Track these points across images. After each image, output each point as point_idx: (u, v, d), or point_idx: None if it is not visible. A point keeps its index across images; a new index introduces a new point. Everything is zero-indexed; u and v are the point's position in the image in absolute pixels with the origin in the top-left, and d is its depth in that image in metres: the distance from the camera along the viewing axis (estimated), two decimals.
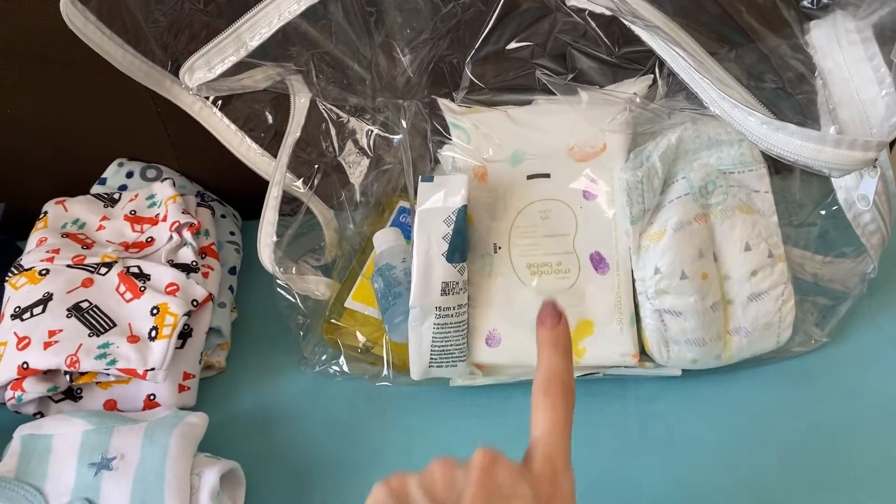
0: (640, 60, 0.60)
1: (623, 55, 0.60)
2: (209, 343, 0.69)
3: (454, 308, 0.62)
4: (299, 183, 0.74)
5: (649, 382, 0.67)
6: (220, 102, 0.74)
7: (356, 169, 0.75)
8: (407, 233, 0.70)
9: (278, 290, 0.70)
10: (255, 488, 0.63)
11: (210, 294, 0.68)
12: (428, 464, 0.42)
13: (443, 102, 0.67)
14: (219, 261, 0.73)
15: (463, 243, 0.61)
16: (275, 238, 0.68)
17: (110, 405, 0.65)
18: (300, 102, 0.73)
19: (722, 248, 0.62)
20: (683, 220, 0.61)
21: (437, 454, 0.63)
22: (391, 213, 0.74)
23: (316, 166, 0.74)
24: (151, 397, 0.65)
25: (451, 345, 0.63)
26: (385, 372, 0.67)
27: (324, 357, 0.69)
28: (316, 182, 0.74)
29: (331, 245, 0.75)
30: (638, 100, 0.59)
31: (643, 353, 0.65)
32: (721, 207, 0.62)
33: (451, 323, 0.63)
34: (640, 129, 0.62)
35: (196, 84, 0.64)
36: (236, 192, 0.83)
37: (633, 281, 0.64)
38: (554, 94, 0.64)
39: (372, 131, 0.73)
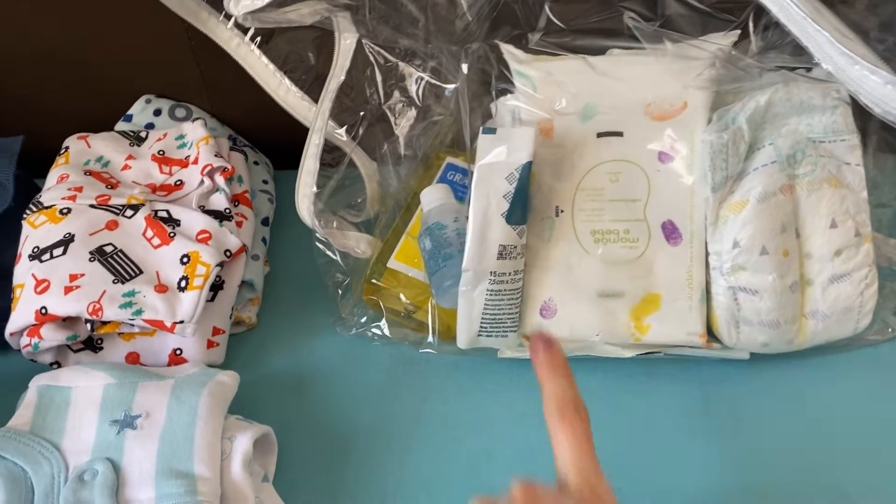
0: (733, 11, 0.55)
1: (716, 3, 0.54)
2: (240, 297, 0.65)
3: (510, 274, 0.57)
4: (342, 131, 0.69)
5: (712, 365, 0.62)
6: (258, 39, 0.68)
7: (402, 119, 0.70)
8: (456, 191, 0.65)
9: (317, 244, 0.65)
10: (287, 454, 0.58)
11: (244, 245, 0.63)
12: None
13: (506, 48, 0.61)
14: (252, 210, 0.68)
15: (525, 204, 0.56)
16: (315, 189, 0.63)
17: (133, 358, 0.61)
18: (345, 43, 0.67)
19: (806, 224, 0.57)
20: (768, 191, 0.56)
21: (478, 428, 0.61)
22: (438, 169, 0.68)
23: (361, 114, 0.68)
24: (178, 352, 0.61)
25: (504, 313, 0.58)
26: (429, 338, 0.62)
27: (363, 319, 0.65)
28: (360, 132, 0.68)
29: (372, 200, 0.69)
30: (729, 54, 0.54)
31: (709, 334, 0.60)
32: (809, 179, 0.57)
33: (505, 290, 0.58)
34: (726, 88, 0.57)
35: (242, 12, 0.58)
36: (269, 139, 0.77)
37: (707, 255, 0.59)
38: (628, 45, 0.59)
39: (422, 79, 0.68)
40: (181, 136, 0.70)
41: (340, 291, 0.66)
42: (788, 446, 0.58)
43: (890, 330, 0.62)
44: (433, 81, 0.67)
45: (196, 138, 0.69)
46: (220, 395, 0.55)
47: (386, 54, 0.68)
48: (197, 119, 0.71)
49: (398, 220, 0.67)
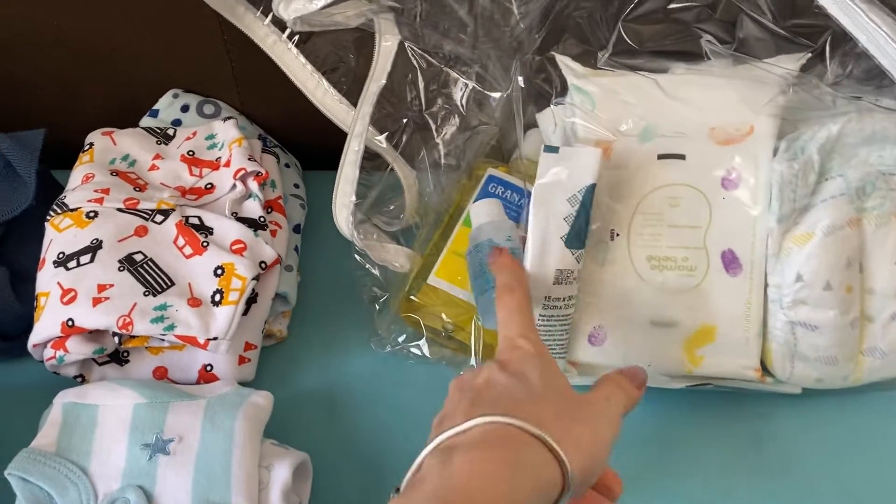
0: (811, 35, 0.52)
1: (793, 26, 0.52)
2: (272, 310, 0.62)
3: (564, 300, 0.55)
4: (382, 138, 0.65)
5: (763, 399, 0.60)
6: (296, 38, 0.65)
7: (444, 126, 0.67)
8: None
9: (355, 256, 0.62)
10: (320, 480, 0.56)
11: (279, 256, 0.60)
12: None
13: (563, 60, 0.58)
14: (286, 217, 0.65)
15: (586, 228, 0.53)
16: (353, 199, 0.60)
17: (160, 373, 0.58)
18: (385, 45, 0.64)
19: (871, 259, 0.55)
20: (836, 224, 0.53)
21: None
22: (479, 180, 0.65)
23: (404, 120, 0.65)
24: (208, 368, 0.58)
25: (554, 339, 0.56)
26: (472, 361, 0.59)
27: (401, 337, 0.62)
28: (403, 139, 0.65)
29: (410, 210, 0.66)
30: (811, 80, 0.51)
31: (762, 367, 0.58)
32: (877, 213, 0.54)
33: (557, 315, 0.55)
34: (795, 117, 0.54)
35: (293, 16, 0.55)
36: (300, 139, 0.74)
37: (766, 287, 0.56)
38: (688, 64, 0.56)
39: (467, 85, 0.65)
40: (212, 136, 0.67)
41: (378, 307, 0.63)
42: (840, 488, 0.56)
43: None
44: (478, 88, 0.64)
45: (228, 139, 0.65)
46: (255, 419, 0.53)
47: (429, 58, 0.65)
48: (229, 119, 0.67)
49: (438, 233, 0.64)
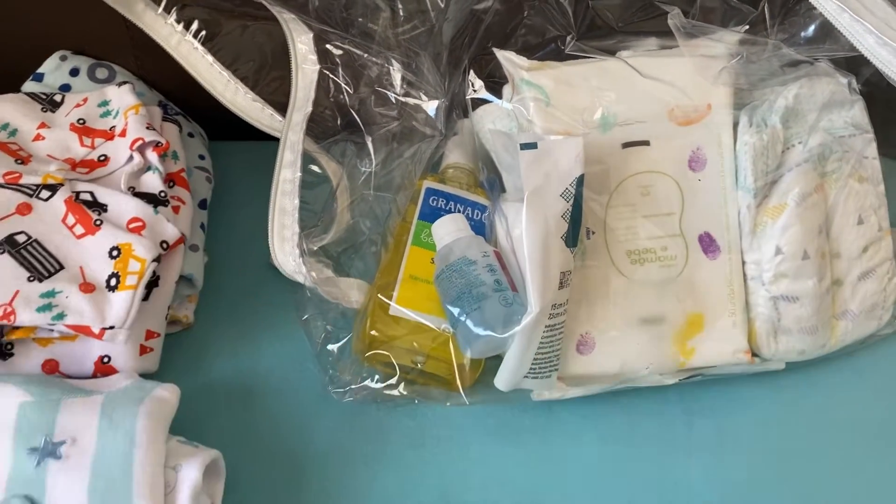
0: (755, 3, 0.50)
1: None
2: (177, 294, 0.56)
3: (564, 304, 0.51)
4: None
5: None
6: (202, 35, 0.61)
7: (377, 142, 0.61)
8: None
9: (307, 293, 0.55)
10: (233, 477, 0.51)
11: (183, 235, 0.55)
12: None
13: (506, 56, 0.54)
14: (189, 192, 0.59)
15: (580, 222, 0.51)
16: (297, 230, 0.54)
17: (50, 367, 0.52)
18: (306, 70, 0.60)
19: (835, 223, 0.55)
20: (805, 192, 0.53)
21: (452, 447, 0.54)
22: (417, 195, 0.59)
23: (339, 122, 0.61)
24: (105, 360, 0.52)
25: (554, 352, 0.52)
26: (460, 393, 0.53)
27: (371, 381, 0.54)
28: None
29: (342, 207, 0.60)
30: (758, 46, 0.50)
31: None
32: (836, 176, 0.55)
33: (558, 324, 0.51)
34: (747, 85, 0.53)
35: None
36: (205, 107, 0.68)
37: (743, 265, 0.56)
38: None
39: (398, 98, 0.60)
40: (105, 103, 0.61)
41: (335, 350, 0.56)
42: (774, 463, 0.56)
43: None
44: (413, 101, 0.60)
45: (124, 106, 0.59)
46: (159, 416, 0.48)
47: (354, 50, 0.60)
48: (125, 83, 0.61)
49: (387, 255, 0.58)
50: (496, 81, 0.57)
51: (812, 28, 0.52)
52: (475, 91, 0.56)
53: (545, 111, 0.53)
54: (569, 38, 0.53)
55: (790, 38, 0.51)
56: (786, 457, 0.56)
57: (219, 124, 0.69)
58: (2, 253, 0.50)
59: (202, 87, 0.63)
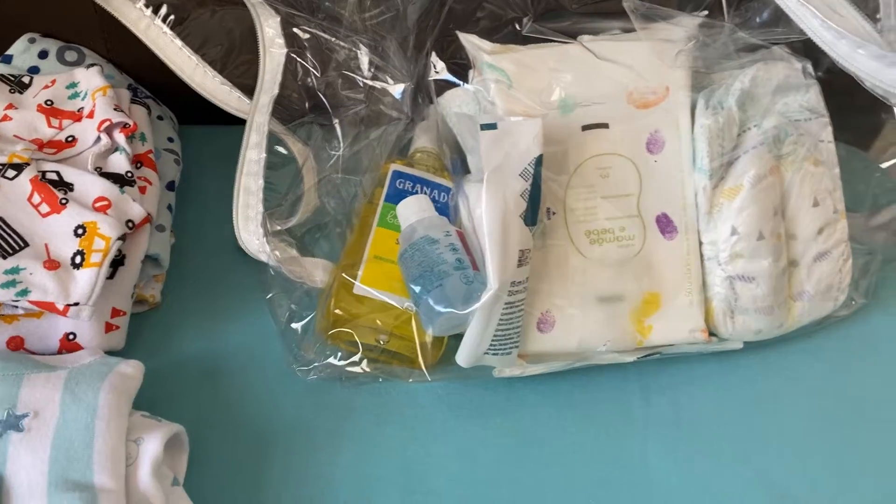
0: None
1: None
2: (143, 274, 0.57)
3: (523, 282, 0.52)
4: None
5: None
6: (171, 19, 0.61)
7: (344, 124, 0.62)
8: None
9: (270, 272, 0.56)
10: (199, 453, 0.52)
11: (149, 214, 0.55)
12: None
13: (469, 39, 0.55)
14: (157, 173, 0.60)
15: (538, 202, 0.51)
16: (261, 209, 0.55)
17: (15, 343, 0.52)
18: (273, 53, 0.60)
19: (790, 204, 0.57)
20: (760, 174, 0.54)
21: (414, 423, 0.55)
22: (383, 178, 0.60)
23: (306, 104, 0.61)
24: (70, 337, 0.53)
25: (513, 329, 0.52)
26: (423, 371, 0.54)
27: (334, 359, 0.55)
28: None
29: (309, 189, 0.61)
30: (714, 30, 0.51)
31: None
32: (791, 158, 0.56)
33: (517, 301, 0.52)
34: (704, 68, 0.54)
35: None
36: (174, 90, 0.68)
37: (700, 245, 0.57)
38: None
39: (364, 82, 0.61)
40: (73, 85, 0.61)
41: (299, 329, 0.56)
42: (731, 444, 0.57)
43: (853, 303, 0.62)
44: (381, 84, 0.61)
45: (91, 88, 0.60)
46: (122, 390, 0.48)
47: (322, 34, 0.61)
48: (93, 65, 0.62)
49: (352, 235, 0.58)
50: (459, 64, 0.58)
51: (766, 13, 0.53)
52: (437, 73, 0.56)
53: (507, 93, 0.54)
54: (525, 20, 0.54)
55: (745, 22, 0.52)
56: (741, 435, 0.57)
57: (188, 108, 0.69)
58: None
59: (172, 71, 0.64)
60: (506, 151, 0.51)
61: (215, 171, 0.66)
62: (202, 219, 0.64)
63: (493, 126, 0.51)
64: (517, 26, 0.55)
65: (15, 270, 0.50)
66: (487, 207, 0.50)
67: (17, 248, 0.51)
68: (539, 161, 0.51)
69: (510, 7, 0.56)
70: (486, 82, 0.54)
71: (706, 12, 0.56)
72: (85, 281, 0.50)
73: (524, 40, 0.55)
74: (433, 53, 0.56)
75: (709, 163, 0.54)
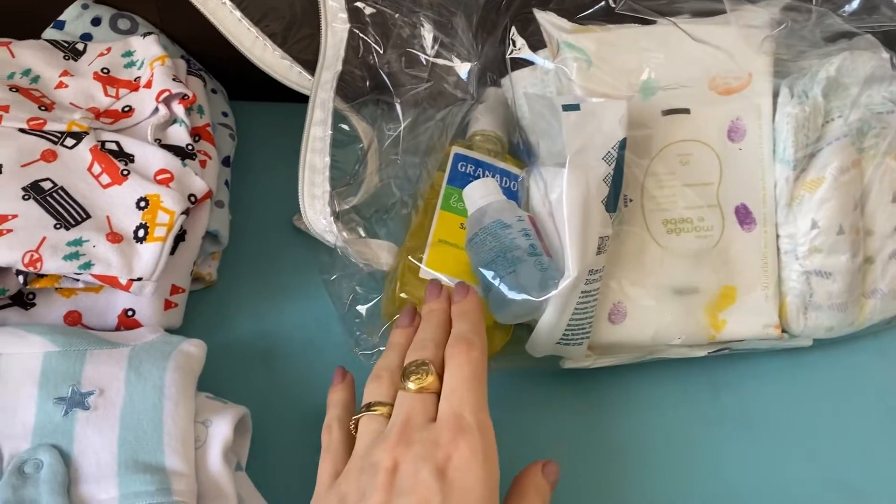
0: None
1: None
2: (202, 251, 0.55)
3: (600, 271, 0.50)
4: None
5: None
6: None
7: (407, 105, 0.60)
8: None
9: (338, 251, 0.54)
10: (258, 436, 0.50)
11: (210, 189, 0.54)
12: None
13: (546, 17, 0.53)
14: (215, 147, 0.58)
15: (620, 187, 0.50)
16: (328, 188, 0.53)
17: (73, 318, 0.51)
18: (335, 29, 0.58)
19: (869, 199, 0.55)
20: (844, 166, 0.53)
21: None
22: (445, 160, 0.58)
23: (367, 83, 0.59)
24: (129, 313, 0.51)
25: (587, 319, 0.51)
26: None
27: None
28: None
29: (372, 169, 0.59)
30: (801, 15, 0.49)
31: None
32: (873, 152, 0.55)
33: (593, 290, 0.50)
34: (789, 56, 0.52)
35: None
36: (226, 65, 0.66)
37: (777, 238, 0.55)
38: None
39: (429, 60, 0.59)
40: (129, 53, 0.59)
41: (364, 311, 0.55)
42: (797, 438, 0.55)
43: None
44: (446, 63, 0.59)
45: (149, 57, 0.58)
46: (187, 370, 0.47)
47: (389, 25, 0.59)
48: (149, 34, 0.60)
49: (416, 217, 0.57)
50: (529, 45, 0.56)
51: (857, 1, 0.51)
52: (518, 49, 0.54)
53: (587, 73, 0.52)
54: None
55: (834, 9, 0.51)
56: (809, 433, 0.55)
57: (238, 83, 0.67)
58: (27, 199, 0.49)
59: (225, 44, 0.62)
60: (589, 133, 0.49)
61: (265, 148, 0.65)
62: (254, 196, 0.63)
63: (576, 107, 0.49)
64: (612, 2, 0.52)
65: (78, 242, 0.48)
66: (569, 191, 0.48)
67: (80, 219, 0.49)
68: (623, 144, 0.49)
69: None
70: (565, 60, 0.52)
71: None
72: (149, 255, 0.49)
73: (612, 18, 0.53)
74: (513, 30, 0.54)
75: (793, 153, 0.53)
